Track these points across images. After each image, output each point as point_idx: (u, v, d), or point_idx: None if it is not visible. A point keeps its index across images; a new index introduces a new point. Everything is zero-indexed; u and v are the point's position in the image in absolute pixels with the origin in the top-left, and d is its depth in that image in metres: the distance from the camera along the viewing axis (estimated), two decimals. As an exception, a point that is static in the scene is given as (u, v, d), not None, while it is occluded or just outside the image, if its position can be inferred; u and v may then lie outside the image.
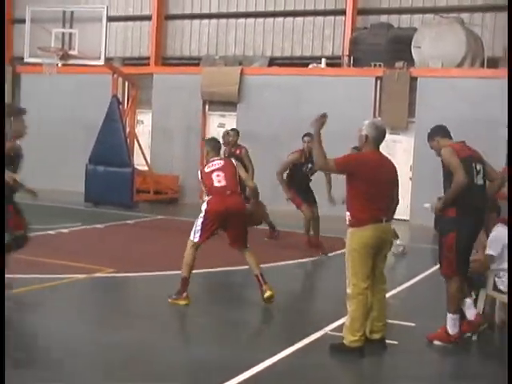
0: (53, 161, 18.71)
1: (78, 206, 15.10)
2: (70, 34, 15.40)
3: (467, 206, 5.92)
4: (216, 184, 7.29)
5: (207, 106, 17.89)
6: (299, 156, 10.57)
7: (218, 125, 17.65)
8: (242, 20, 18.37)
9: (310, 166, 10.43)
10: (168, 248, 10.69)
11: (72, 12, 15.58)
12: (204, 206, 7.29)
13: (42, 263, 8.75)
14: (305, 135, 10.40)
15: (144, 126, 18.51)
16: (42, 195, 15.12)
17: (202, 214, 7.27)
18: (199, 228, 7.26)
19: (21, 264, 8.60)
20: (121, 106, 16.21)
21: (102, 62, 15.15)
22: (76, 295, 7.67)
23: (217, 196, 7.25)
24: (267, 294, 7.13)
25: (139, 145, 16.74)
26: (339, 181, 6.37)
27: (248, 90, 17.01)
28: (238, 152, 11.52)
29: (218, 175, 7.31)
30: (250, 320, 7.13)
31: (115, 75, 16.41)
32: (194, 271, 7.27)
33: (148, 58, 19.25)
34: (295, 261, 9.99)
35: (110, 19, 16.12)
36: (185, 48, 19.20)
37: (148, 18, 19.32)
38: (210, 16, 18.79)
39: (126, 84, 16.89)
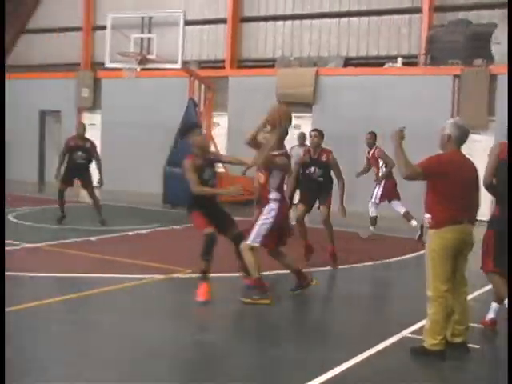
0: (131, 163, 19.15)
1: (156, 208, 15.39)
2: (149, 39, 15.76)
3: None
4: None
5: (283, 108, 17.90)
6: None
7: (294, 126, 17.63)
8: (316, 21, 18.32)
9: (313, 169, 9.50)
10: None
11: (150, 17, 15.93)
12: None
13: (120, 263, 8.97)
14: (312, 130, 9.87)
15: (220, 128, 18.70)
16: (120, 197, 15.55)
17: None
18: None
19: (100, 264, 8.88)
20: (197, 109, 16.46)
21: (179, 65, 15.42)
22: (155, 295, 7.81)
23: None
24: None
25: (215, 147, 16.94)
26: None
27: (323, 90, 16.97)
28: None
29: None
30: (327, 320, 7.12)
31: (192, 78, 16.67)
32: (268, 272, 7.31)
33: (223, 61, 19.45)
34: (371, 262, 9.91)
35: (187, 23, 16.39)
36: (260, 50, 19.30)
37: (223, 21, 19.51)
38: (284, 17, 18.82)
39: (203, 87, 17.12)
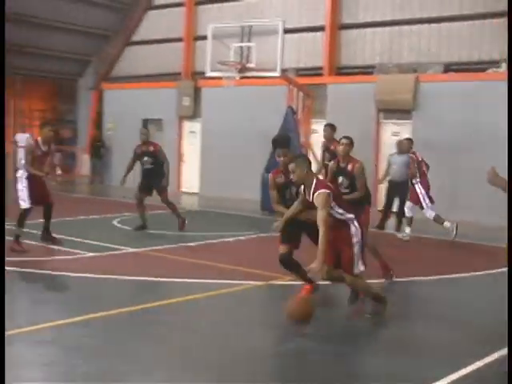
0: (231, 170, 19.44)
1: (255, 214, 15.56)
2: (248, 48, 15.99)
3: None
4: None
5: (381, 115, 17.78)
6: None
7: (392, 133, 17.48)
8: (416, 26, 18.03)
9: (340, 179, 8.76)
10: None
11: (250, 26, 16.17)
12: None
13: (220, 269, 9.13)
14: (343, 138, 8.96)
15: (318, 135, 18.70)
16: (220, 203, 15.79)
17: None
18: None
19: (200, 269, 9.06)
20: (295, 116, 16.55)
21: (278, 73, 15.56)
22: (255, 301, 7.91)
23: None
24: None
25: (313, 154, 16.98)
26: None
27: (423, 97, 16.70)
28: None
29: None
30: (428, 332, 6.99)
31: (290, 86, 16.80)
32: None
33: (322, 68, 19.47)
34: (469, 273, 9.66)
35: (285, 31, 16.51)
36: (358, 57, 19.19)
37: (322, 28, 19.54)
38: (383, 24, 18.64)
39: (301, 94, 17.20)
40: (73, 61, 26.29)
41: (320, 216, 6.43)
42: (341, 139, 9.05)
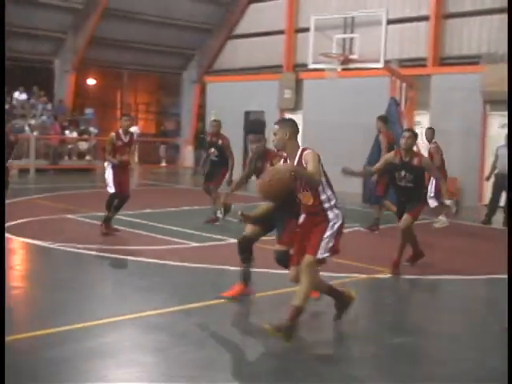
0: (332, 162, 19.33)
1: (357, 207, 15.45)
2: (351, 39, 15.87)
3: None
4: None
5: (488, 106, 17.25)
6: (395, 158, 8.45)
7: (500, 125, 16.93)
8: (527, 13, 17.37)
9: (403, 173, 8.55)
10: (445, 252, 10.59)
11: (353, 18, 16.05)
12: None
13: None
14: (405, 130, 8.83)
15: (422, 127, 18.37)
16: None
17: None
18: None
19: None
20: (398, 108, 16.31)
21: (381, 64, 15.38)
22: (360, 295, 7.89)
23: None
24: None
25: (417, 146, 16.68)
26: None
27: (533, 87, 16.05)
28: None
29: None
30: None
31: (393, 77, 16.56)
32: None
33: (425, 59, 19.08)
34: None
35: (388, 22, 16.28)
36: (464, 46, 18.70)
37: (425, 18, 19.16)
38: (491, 11, 18.08)
39: (404, 85, 16.93)
40: (177, 55, 26.93)
41: (313, 169, 5.73)
42: (403, 132, 8.87)
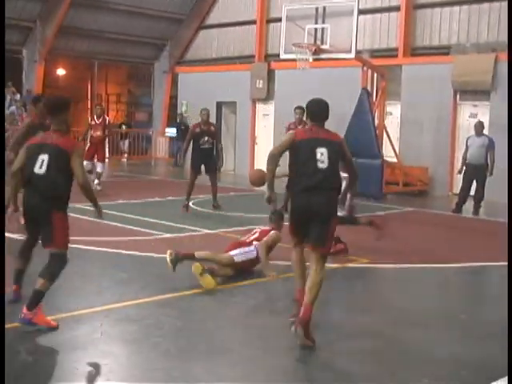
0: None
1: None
2: (322, 29, 15.84)
3: None
4: None
5: (458, 96, 17.38)
6: None
7: (470, 115, 17.08)
8: (496, 4, 17.48)
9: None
10: (418, 241, 10.67)
11: (324, 8, 16.00)
12: None
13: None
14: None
15: (393, 117, 18.47)
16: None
17: None
18: None
19: (281, 251, 9.06)
20: (370, 98, 16.37)
21: (352, 55, 15.38)
22: (329, 284, 7.91)
23: None
24: None
25: (388, 136, 16.79)
26: None
27: (502, 77, 16.21)
28: None
29: None
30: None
31: (365, 68, 16.59)
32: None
33: (396, 49, 19.15)
34: None
35: (360, 12, 16.27)
36: (434, 37, 18.79)
37: (396, 8, 19.21)
38: (461, 2, 18.17)
39: (375, 76, 16.98)
40: (148, 45, 26.71)
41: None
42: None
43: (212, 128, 12.94)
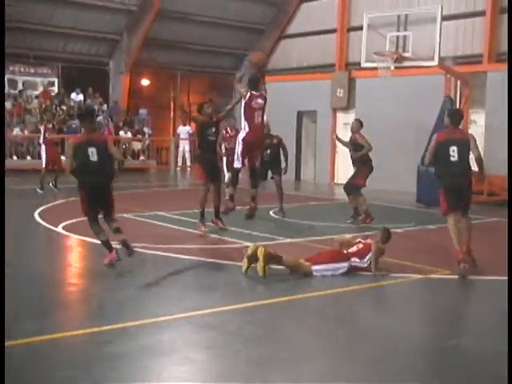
0: (386, 162, 19.19)
1: (410, 207, 15.30)
2: (404, 37, 15.69)
3: None
4: None
5: (547, 103, 16.83)
6: None
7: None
8: None
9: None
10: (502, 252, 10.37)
11: (406, 15, 15.85)
12: None
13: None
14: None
15: (477, 126, 18.07)
16: (375, 195, 15.70)
17: None
18: None
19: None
20: (453, 106, 16.05)
21: (435, 62, 15.16)
22: (413, 295, 7.81)
23: None
24: None
25: (475, 143, 16.39)
26: None
27: None
28: None
29: None
30: None
31: (448, 75, 16.31)
32: None
33: (481, 56, 18.74)
34: None
35: (443, 18, 16.04)
36: (521, 42, 18.27)
37: (481, 13, 18.81)
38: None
39: (459, 83, 16.67)
40: (229, 55, 27.07)
41: None
42: None
43: (274, 140, 13.65)
